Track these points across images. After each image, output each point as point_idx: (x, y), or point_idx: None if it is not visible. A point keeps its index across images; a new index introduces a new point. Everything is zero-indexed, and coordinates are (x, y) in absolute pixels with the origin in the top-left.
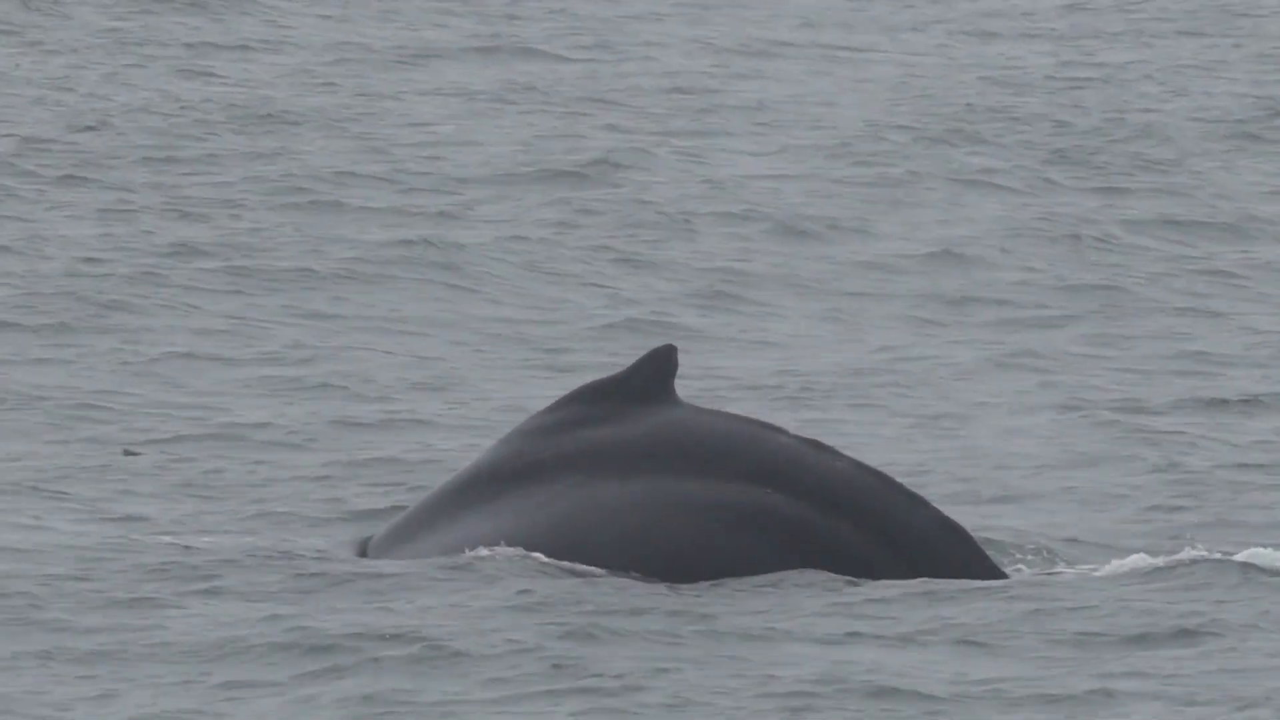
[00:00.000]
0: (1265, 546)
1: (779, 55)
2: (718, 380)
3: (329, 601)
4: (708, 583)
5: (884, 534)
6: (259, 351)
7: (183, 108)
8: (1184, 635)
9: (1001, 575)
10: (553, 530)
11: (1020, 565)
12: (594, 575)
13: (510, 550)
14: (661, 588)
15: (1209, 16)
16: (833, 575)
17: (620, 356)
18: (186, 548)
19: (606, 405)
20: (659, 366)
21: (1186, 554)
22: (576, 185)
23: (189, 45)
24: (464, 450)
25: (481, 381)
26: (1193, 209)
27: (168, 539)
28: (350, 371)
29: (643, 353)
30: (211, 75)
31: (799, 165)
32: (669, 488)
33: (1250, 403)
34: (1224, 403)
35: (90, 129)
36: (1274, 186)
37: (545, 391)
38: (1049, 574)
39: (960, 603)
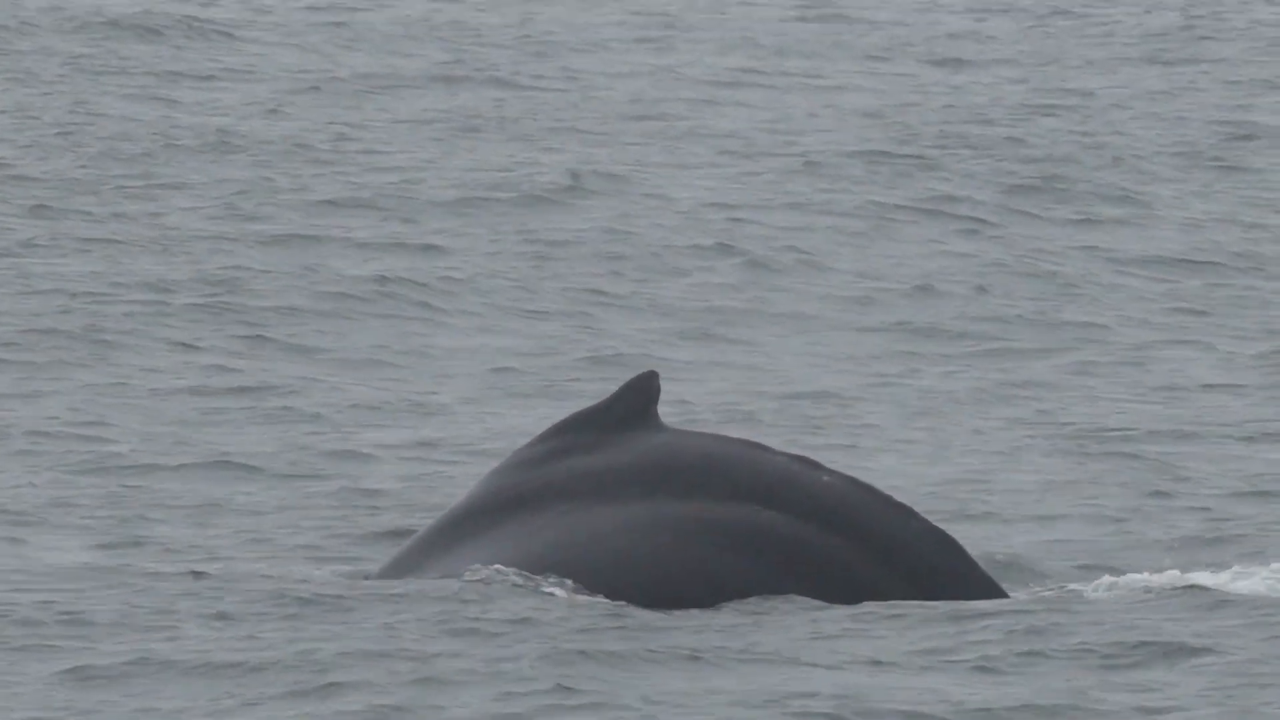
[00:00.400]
0: (1248, 568)
1: (746, 84)
2: (704, 412)
3: (332, 630)
4: (701, 603)
5: (877, 547)
6: (246, 384)
7: (152, 134)
8: (1174, 655)
9: (995, 586)
10: (543, 558)
11: (1013, 586)
12: (586, 599)
13: (502, 577)
14: (654, 609)
15: (1175, 40)
16: (827, 594)
17: (608, 383)
18: (193, 575)
19: (591, 434)
20: (641, 393)
21: (1176, 575)
22: (546, 213)
23: (154, 74)
24: (465, 478)
25: (474, 412)
26: (1161, 240)
27: (170, 567)
28: (338, 403)
29: (624, 381)
30: (177, 102)
31: (768, 194)
32: (658, 510)
33: (1231, 429)
34: (1204, 430)
35: (56, 155)
36: (1242, 214)
37: (534, 424)
38: (1043, 594)
39: (958, 624)
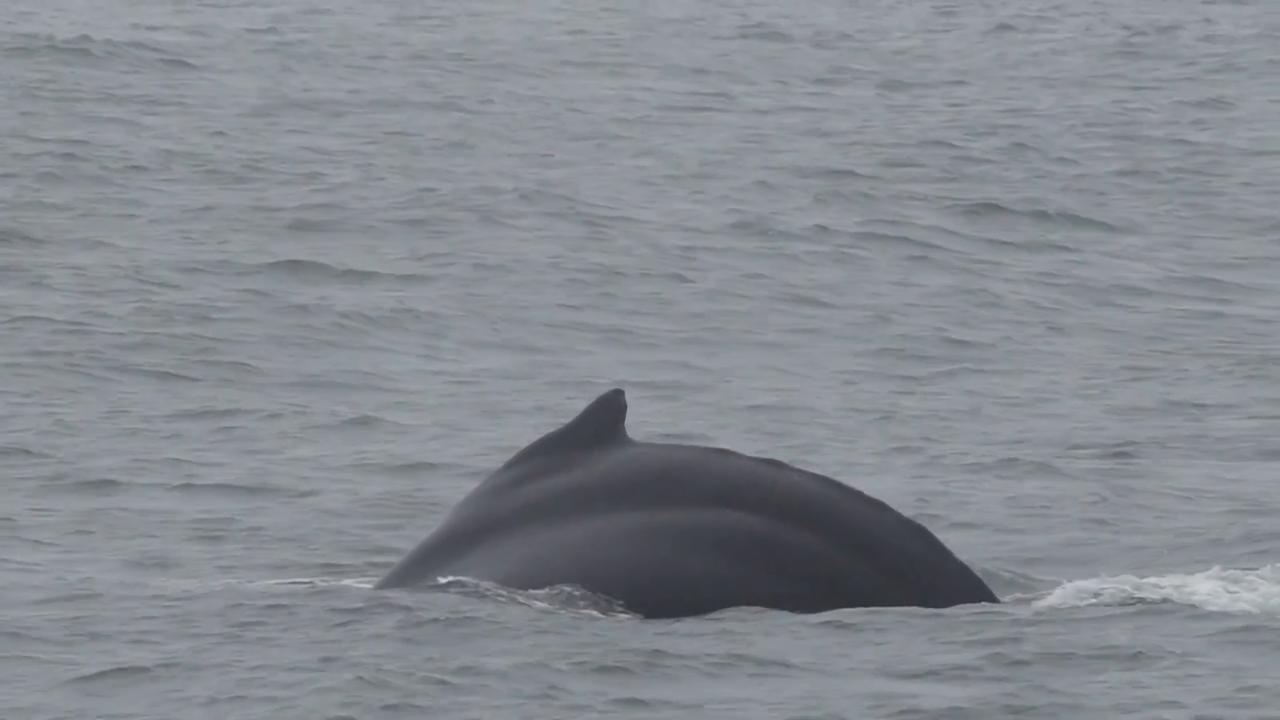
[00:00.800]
0: (1196, 574)
1: (705, 107)
2: (668, 432)
3: (340, 647)
4: (675, 609)
5: (850, 541)
6: (213, 407)
7: (99, 157)
8: (1134, 659)
9: (971, 574)
10: (513, 578)
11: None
12: (556, 612)
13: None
14: (627, 616)
15: (1129, 56)
16: (802, 590)
17: (575, 402)
18: (204, 593)
19: (561, 455)
20: (608, 411)
21: (1136, 582)
22: (498, 234)
23: (100, 98)
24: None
25: (436, 435)
26: (1112, 264)
27: (187, 583)
28: (298, 425)
29: (590, 401)
30: (127, 124)
31: (721, 217)
32: (625, 521)
33: (1191, 444)
34: (1164, 446)
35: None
36: (1196, 235)
37: (502, 443)
38: (1012, 603)
39: (928, 629)
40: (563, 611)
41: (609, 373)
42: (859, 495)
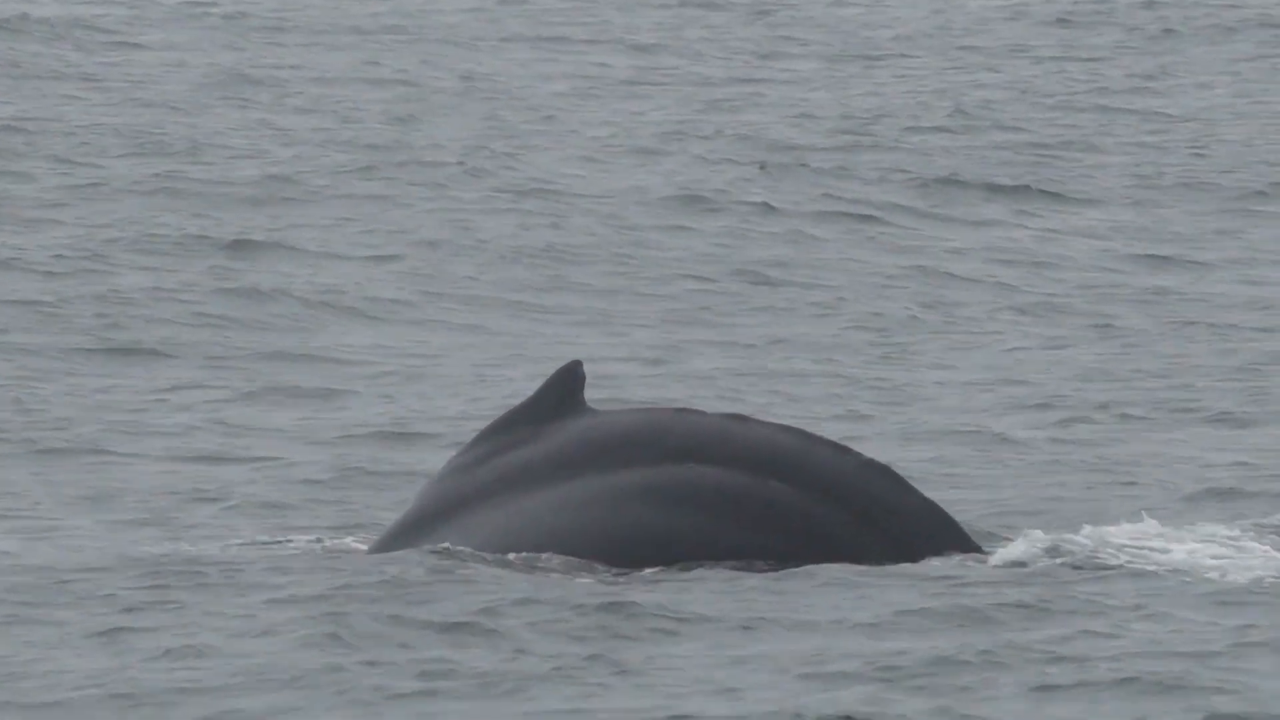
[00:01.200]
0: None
1: (642, 81)
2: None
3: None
4: (645, 564)
5: (817, 485)
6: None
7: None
8: (1063, 615)
9: (939, 510)
10: (485, 548)
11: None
12: (530, 575)
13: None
14: (600, 578)
15: (1071, 26)
16: (770, 536)
17: (531, 378)
18: (192, 553)
19: (523, 429)
20: (567, 382)
21: (1092, 536)
22: (449, 206)
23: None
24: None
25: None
26: (1063, 238)
27: (173, 545)
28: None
29: (549, 374)
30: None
31: (669, 190)
32: (590, 485)
33: (1136, 407)
34: (1109, 411)
35: None
36: (1147, 207)
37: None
38: (960, 559)
39: (882, 585)
40: (534, 576)
41: (561, 349)
42: (827, 442)
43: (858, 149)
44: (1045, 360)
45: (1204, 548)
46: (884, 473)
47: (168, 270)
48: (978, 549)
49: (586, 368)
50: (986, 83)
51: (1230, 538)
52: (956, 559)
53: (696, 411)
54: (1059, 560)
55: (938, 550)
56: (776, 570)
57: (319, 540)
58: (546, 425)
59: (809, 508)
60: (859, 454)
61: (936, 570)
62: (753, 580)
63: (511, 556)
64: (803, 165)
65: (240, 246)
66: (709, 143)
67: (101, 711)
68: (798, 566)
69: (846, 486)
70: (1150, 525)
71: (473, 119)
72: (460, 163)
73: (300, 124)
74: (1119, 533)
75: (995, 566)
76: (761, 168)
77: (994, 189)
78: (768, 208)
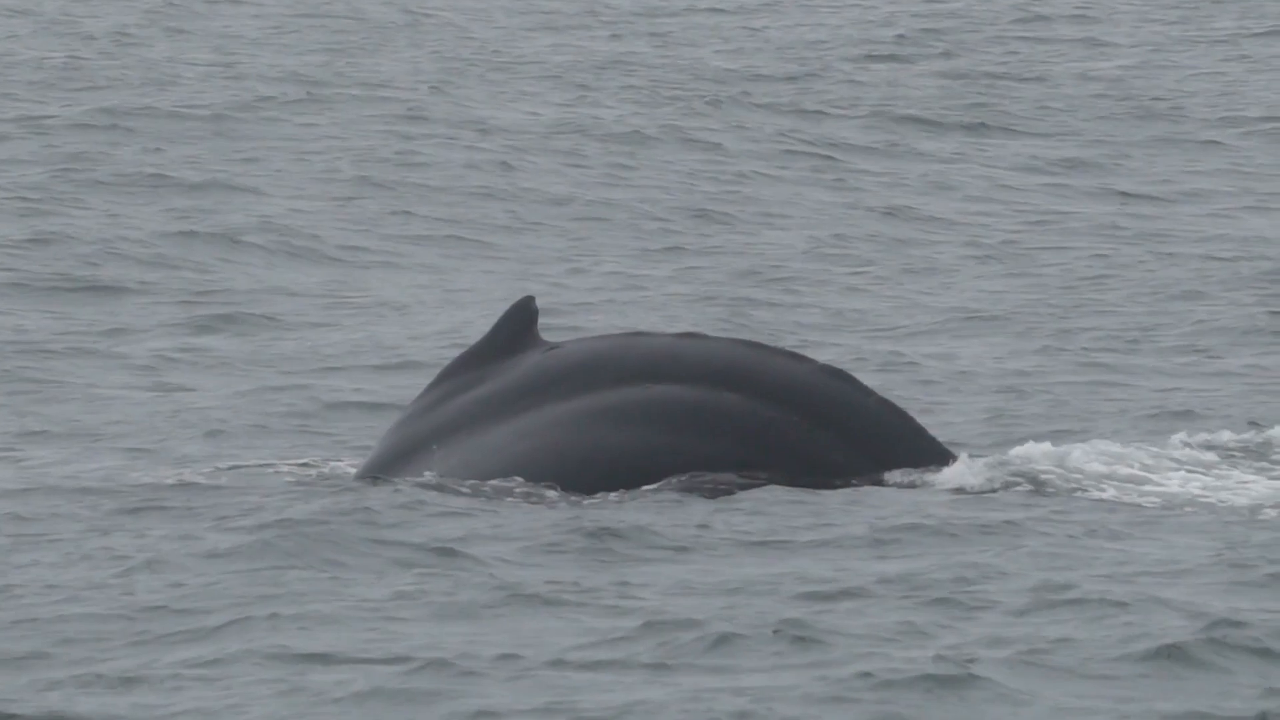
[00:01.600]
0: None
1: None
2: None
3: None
4: (612, 484)
5: (772, 392)
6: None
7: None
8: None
9: (898, 409)
10: (450, 481)
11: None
12: (492, 500)
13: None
14: (564, 499)
15: None
16: (730, 444)
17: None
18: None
19: (479, 368)
20: (520, 318)
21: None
22: (388, 141)
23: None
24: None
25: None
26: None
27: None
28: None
29: (503, 311)
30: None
31: (612, 126)
32: (549, 412)
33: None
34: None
35: None
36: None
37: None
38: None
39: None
40: (502, 501)
41: (518, 285)
42: (781, 351)
43: (807, 79)
44: (998, 290)
45: (1159, 467)
46: (841, 377)
47: (120, 207)
48: (948, 454)
49: (543, 301)
50: (928, 12)
51: (1180, 460)
52: (923, 465)
53: (649, 334)
54: (1011, 478)
55: (906, 454)
56: (743, 481)
57: (270, 465)
58: (503, 361)
59: (765, 415)
60: (815, 360)
61: (900, 480)
62: (718, 500)
63: (479, 484)
64: (748, 98)
65: (191, 186)
66: (654, 72)
67: (79, 624)
68: (760, 472)
69: (803, 392)
70: (1099, 446)
71: (422, 53)
72: (406, 99)
73: (249, 58)
74: (1070, 453)
75: (953, 481)
76: (709, 102)
77: (940, 125)
78: (717, 146)
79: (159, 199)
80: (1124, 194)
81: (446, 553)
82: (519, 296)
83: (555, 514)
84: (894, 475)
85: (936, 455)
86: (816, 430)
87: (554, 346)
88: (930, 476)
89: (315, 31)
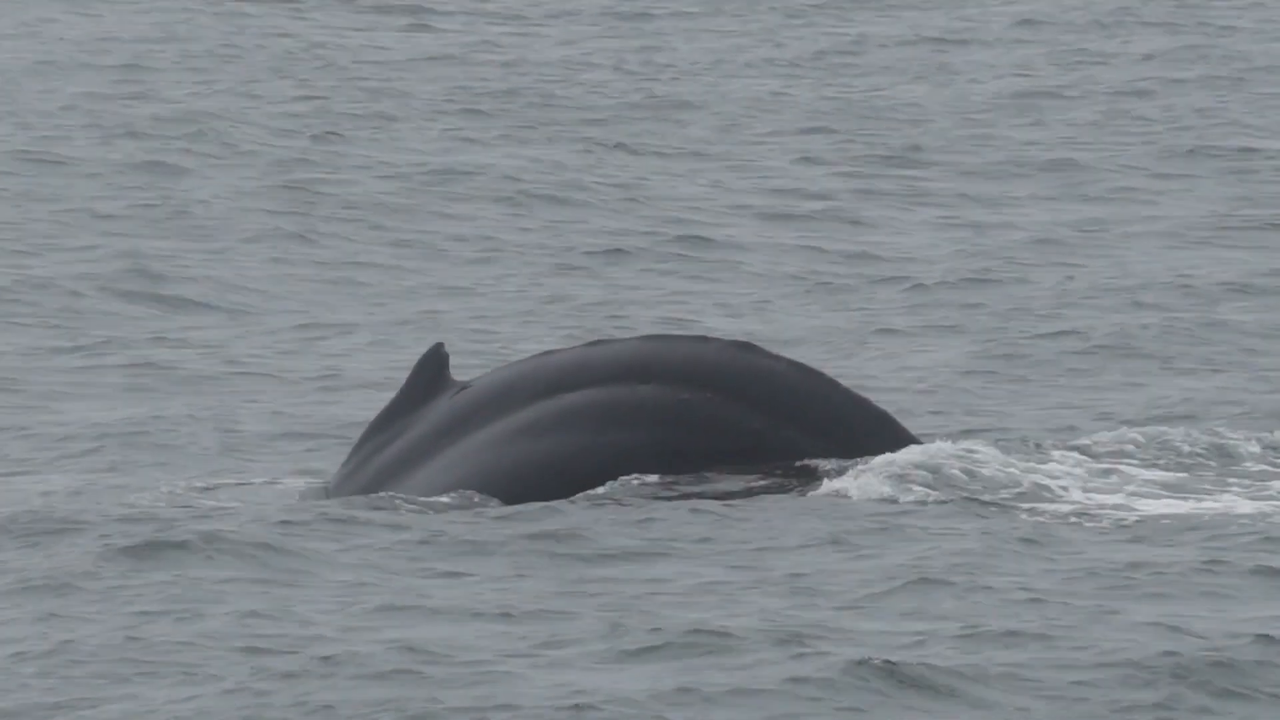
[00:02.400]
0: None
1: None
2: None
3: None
4: (535, 495)
5: (682, 376)
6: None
7: None
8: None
9: (810, 369)
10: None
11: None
12: (425, 514)
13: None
14: (490, 513)
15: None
16: (643, 441)
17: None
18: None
19: (398, 423)
20: (432, 367)
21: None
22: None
23: None
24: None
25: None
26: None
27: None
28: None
29: (414, 362)
30: None
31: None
32: (475, 439)
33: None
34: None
35: None
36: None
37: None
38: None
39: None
40: (436, 515)
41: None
42: (683, 336)
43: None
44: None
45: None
46: (748, 348)
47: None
48: (869, 409)
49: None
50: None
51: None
52: (844, 423)
53: (555, 351)
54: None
55: (823, 413)
56: (666, 479)
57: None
58: (420, 412)
59: (679, 397)
60: (719, 339)
61: (823, 446)
62: (645, 499)
63: (405, 500)
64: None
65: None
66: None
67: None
68: (683, 453)
69: (711, 368)
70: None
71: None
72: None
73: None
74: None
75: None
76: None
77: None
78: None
79: None
80: None
81: (378, 566)
82: (428, 346)
83: (485, 524)
84: (815, 441)
85: (856, 411)
86: (730, 402)
87: (465, 385)
88: (858, 441)
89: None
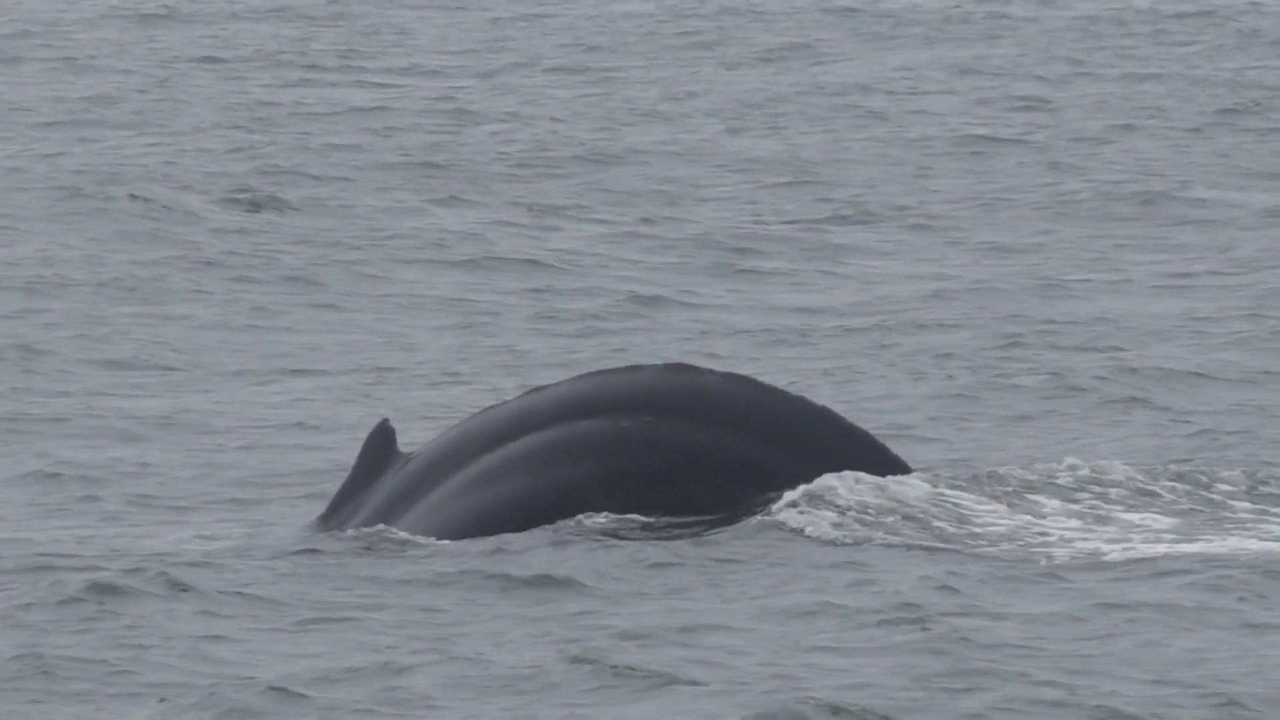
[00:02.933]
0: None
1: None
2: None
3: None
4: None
5: (623, 404)
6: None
7: None
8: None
9: (749, 379)
10: None
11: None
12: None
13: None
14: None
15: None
16: (599, 477)
17: None
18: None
19: (354, 503)
20: (379, 444)
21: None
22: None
23: None
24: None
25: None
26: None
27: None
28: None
29: (362, 442)
30: None
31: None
32: (423, 503)
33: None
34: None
35: None
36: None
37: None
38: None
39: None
40: (409, 561)
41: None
42: (618, 369)
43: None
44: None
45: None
46: (682, 368)
47: None
48: (814, 410)
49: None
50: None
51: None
52: (791, 430)
53: (498, 404)
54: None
55: (767, 420)
56: (622, 500)
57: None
58: (371, 491)
59: (619, 425)
60: (652, 364)
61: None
62: (595, 535)
63: (365, 547)
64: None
65: None
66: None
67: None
68: (629, 478)
69: (648, 393)
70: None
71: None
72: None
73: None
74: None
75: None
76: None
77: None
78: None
79: None
80: None
81: (329, 606)
82: (374, 424)
83: (439, 564)
84: (761, 449)
85: (796, 412)
86: (668, 421)
87: (411, 456)
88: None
89: None
